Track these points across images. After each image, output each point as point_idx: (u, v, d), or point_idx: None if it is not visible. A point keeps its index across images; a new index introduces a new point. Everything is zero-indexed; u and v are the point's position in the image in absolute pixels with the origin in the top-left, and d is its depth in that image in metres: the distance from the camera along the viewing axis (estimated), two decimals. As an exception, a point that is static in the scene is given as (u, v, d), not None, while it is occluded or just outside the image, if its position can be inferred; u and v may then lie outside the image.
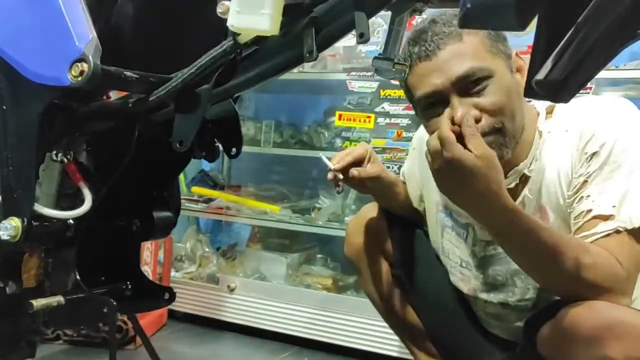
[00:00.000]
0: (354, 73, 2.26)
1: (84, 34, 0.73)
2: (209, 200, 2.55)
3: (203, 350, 2.18)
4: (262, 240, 2.61)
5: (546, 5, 0.48)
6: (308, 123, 2.57)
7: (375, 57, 0.82)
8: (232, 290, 2.34)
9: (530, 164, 1.22)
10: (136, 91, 0.81)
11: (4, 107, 0.79)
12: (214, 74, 0.79)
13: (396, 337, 1.77)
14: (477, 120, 1.07)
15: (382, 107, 2.21)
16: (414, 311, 1.53)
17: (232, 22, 0.74)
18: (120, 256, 0.97)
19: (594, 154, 1.10)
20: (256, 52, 0.81)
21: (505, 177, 1.22)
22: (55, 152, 0.86)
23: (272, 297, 2.28)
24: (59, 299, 0.84)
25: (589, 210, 1.08)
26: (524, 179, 1.23)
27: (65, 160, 0.85)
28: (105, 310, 0.82)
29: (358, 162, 1.37)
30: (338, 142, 2.35)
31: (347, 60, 2.30)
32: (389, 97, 2.20)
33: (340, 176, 1.36)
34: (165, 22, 0.87)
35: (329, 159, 1.40)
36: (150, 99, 0.80)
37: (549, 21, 0.55)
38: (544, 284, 1.17)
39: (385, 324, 1.65)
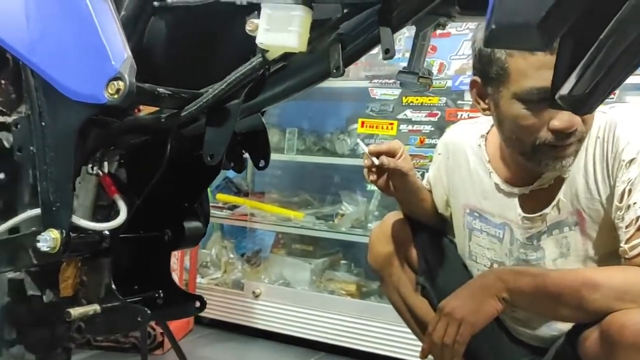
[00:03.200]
0: (376, 80, 2.28)
1: (120, 53, 0.76)
2: (233, 207, 2.59)
3: (229, 356, 2.21)
4: (286, 246, 2.64)
5: (570, 24, 0.50)
6: (330, 130, 2.60)
7: (400, 71, 0.84)
8: (257, 296, 2.37)
9: None
10: (168, 107, 0.84)
11: (43, 124, 0.82)
12: (244, 89, 0.82)
13: (420, 344, 1.78)
14: (573, 133, 1.12)
15: (405, 114, 2.22)
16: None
17: (261, 40, 0.76)
18: (152, 265, 1.00)
19: (631, 160, 1.13)
20: (284, 68, 0.83)
21: (540, 176, 1.25)
22: (90, 165, 0.89)
23: (296, 303, 2.30)
24: (95, 307, 0.87)
25: (639, 217, 1.11)
26: (559, 182, 1.25)
27: (101, 173, 0.89)
28: (139, 318, 0.85)
29: (391, 154, 1.39)
30: (363, 143, 2.37)
31: (369, 67, 2.32)
32: (411, 104, 2.22)
33: (376, 161, 1.39)
34: (195, 40, 0.90)
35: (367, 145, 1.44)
36: (183, 114, 0.83)
37: (571, 37, 0.56)
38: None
39: (409, 330, 1.66)
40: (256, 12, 0.78)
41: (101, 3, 0.78)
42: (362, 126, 2.30)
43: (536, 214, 1.28)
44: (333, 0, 0.77)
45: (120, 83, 0.75)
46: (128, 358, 2.05)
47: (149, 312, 0.85)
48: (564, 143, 1.14)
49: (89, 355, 2.00)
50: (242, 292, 2.41)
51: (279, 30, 0.75)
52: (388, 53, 0.72)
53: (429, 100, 2.17)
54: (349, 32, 0.79)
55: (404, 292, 1.59)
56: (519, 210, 1.31)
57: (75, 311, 0.85)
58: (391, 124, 2.24)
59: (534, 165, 1.20)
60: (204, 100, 0.81)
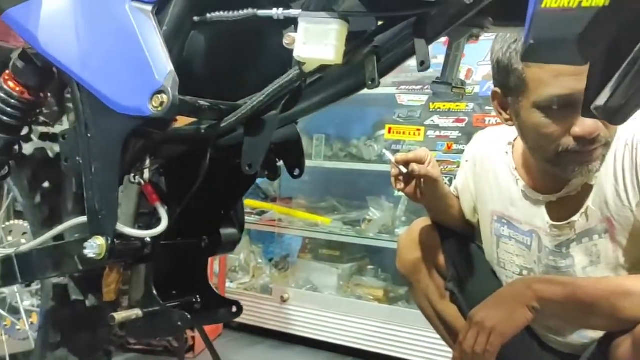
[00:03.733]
0: (403, 87, 2.29)
1: (163, 67, 0.79)
2: (261, 212, 2.62)
3: (258, 360, 2.24)
4: (313, 251, 2.66)
5: (607, 39, 0.51)
6: (357, 136, 2.61)
7: (433, 82, 0.85)
8: (285, 301, 2.39)
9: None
10: (208, 118, 0.87)
11: (89, 135, 0.86)
12: (281, 100, 0.84)
13: (449, 349, 1.78)
14: (596, 139, 1.11)
15: (432, 120, 2.23)
16: (468, 324, 1.54)
17: (299, 53, 0.79)
18: (190, 271, 1.03)
19: None
20: (320, 80, 0.85)
21: (568, 184, 1.26)
22: (132, 174, 0.92)
23: (324, 308, 2.32)
24: (137, 312, 0.90)
25: None
26: (586, 189, 1.25)
27: (142, 182, 0.92)
28: (180, 323, 0.88)
29: (419, 162, 1.40)
30: (389, 152, 2.38)
31: (397, 74, 2.34)
32: (438, 110, 2.22)
33: (404, 169, 1.40)
34: (233, 52, 0.93)
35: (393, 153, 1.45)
36: (222, 125, 0.86)
37: (605, 50, 0.57)
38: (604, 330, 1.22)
39: (438, 336, 1.66)
40: (293, 25, 0.81)
41: (145, 20, 0.82)
42: (389, 132, 2.31)
43: (564, 222, 1.28)
44: (368, 14, 0.79)
45: (164, 96, 0.78)
46: (160, 361, 2.10)
47: (189, 317, 0.87)
48: (588, 149, 1.14)
49: (123, 359, 2.04)
50: (271, 297, 2.43)
51: (316, 43, 0.77)
52: (423, 65, 0.74)
53: (456, 106, 2.17)
54: (383, 44, 0.81)
55: (432, 299, 1.60)
56: (547, 218, 1.31)
57: (119, 315, 0.88)
58: (418, 130, 2.25)
59: (560, 172, 1.20)
60: (242, 112, 0.84)
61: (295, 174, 0.97)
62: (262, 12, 0.83)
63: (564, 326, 1.35)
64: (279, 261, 2.63)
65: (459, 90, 0.83)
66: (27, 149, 1.07)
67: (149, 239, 0.89)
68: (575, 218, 1.26)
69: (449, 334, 1.61)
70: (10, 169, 1.03)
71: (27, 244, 0.98)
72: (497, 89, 1.26)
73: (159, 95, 0.78)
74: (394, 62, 0.81)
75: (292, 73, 0.82)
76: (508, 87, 1.20)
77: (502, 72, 1.19)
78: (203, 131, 0.89)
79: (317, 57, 0.78)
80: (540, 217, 1.33)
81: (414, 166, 1.38)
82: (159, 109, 0.78)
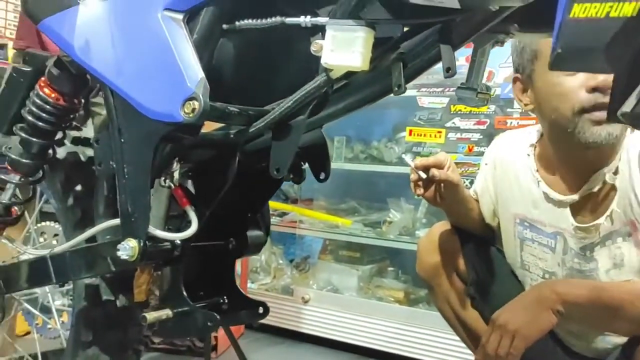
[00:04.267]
0: (424, 89, 2.29)
1: (195, 74, 0.81)
2: (282, 213, 2.64)
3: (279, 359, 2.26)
4: (333, 252, 2.68)
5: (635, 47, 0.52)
6: (378, 138, 2.63)
7: (458, 87, 0.86)
8: (306, 302, 2.41)
9: (615, 172, 1.23)
10: (237, 124, 0.89)
11: (122, 140, 0.88)
12: (308, 106, 0.86)
13: (469, 352, 1.78)
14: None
15: (453, 122, 2.23)
16: (490, 328, 1.54)
17: (326, 60, 0.80)
18: (217, 272, 1.05)
19: None
20: (346, 86, 0.87)
21: (588, 180, 1.26)
22: (163, 178, 0.95)
23: (345, 309, 2.33)
24: (168, 312, 0.92)
25: None
26: (611, 191, 1.24)
27: (172, 185, 0.94)
28: (209, 323, 0.90)
29: (438, 167, 1.41)
30: (408, 157, 2.39)
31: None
32: (459, 112, 2.23)
33: (423, 175, 1.41)
34: (260, 59, 0.95)
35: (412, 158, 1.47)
36: (250, 131, 0.88)
37: (633, 59, 0.58)
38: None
39: (458, 338, 1.66)
40: (320, 33, 0.83)
41: (177, 29, 0.84)
42: (410, 134, 2.32)
43: (589, 224, 1.28)
44: (395, 21, 0.80)
45: (195, 103, 0.80)
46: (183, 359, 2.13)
47: (218, 317, 0.90)
48: (604, 102, 1.14)
49: (147, 357, 2.08)
50: (292, 298, 2.46)
51: (343, 51, 0.79)
52: (449, 71, 0.75)
53: (478, 108, 2.17)
54: (409, 51, 0.82)
55: (453, 302, 1.60)
56: (572, 220, 1.31)
57: (150, 315, 0.90)
58: (439, 132, 2.25)
59: (579, 137, 1.19)
60: (270, 117, 0.86)
61: (321, 177, 0.98)
62: (290, 20, 0.84)
63: (588, 331, 1.35)
64: (299, 262, 2.66)
65: (484, 95, 0.84)
66: (60, 152, 1.10)
67: (179, 241, 0.92)
68: (600, 221, 1.26)
69: (470, 337, 1.61)
70: (44, 173, 1.07)
71: (62, 246, 1.01)
72: (517, 74, 1.30)
73: (191, 102, 0.80)
74: (419, 68, 0.82)
75: (320, 79, 0.83)
76: (524, 64, 1.24)
77: (518, 51, 1.26)
78: (232, 136, 0.91)
79: (344, 64, 0.79)
80: (564, 219, 1.33)
81: (434, 171, 1.38)
82: (191, 115, 0.80)
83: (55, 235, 1.25)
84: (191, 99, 0.80)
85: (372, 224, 2.51)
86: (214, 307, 1.03)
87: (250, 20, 0.88)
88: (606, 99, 1.12)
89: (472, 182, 2.03)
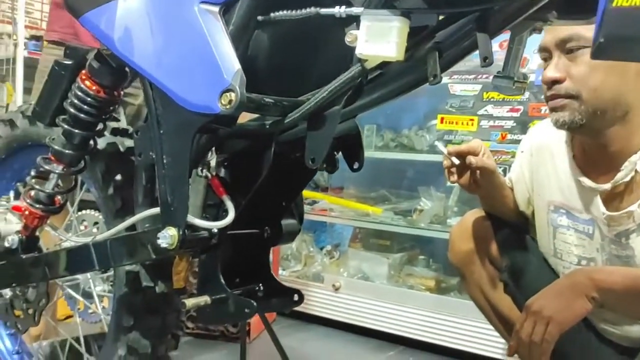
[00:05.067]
0: (456, 76, 2.27)
1: (231, 66, 0.82)
2: (313, 202, 2.66)
3: (311, 346, 2.29)
4: (363, 240, 2.69)
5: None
6: (408, 126, 2.61)
7: (495, 76, 0.85)
8: (337, 289, 2.43)
9: None
10: (272, 115, 0.90)
11: (161, 131, 0.91)
12: (343, 96, 0.86)
13: (501, 340, 1.77)
14: (557, 82, 1.24)
15: (486, 110, 2.21)
16: (523, 315, 1.53)
17: (361, 50, 0.81)
18: (253, 260, 1.07)
19: None
20: (381, 76, 0.87)
21: (620, 169, 1.24)
22: (200, 168, 0.97)
23: (376, 297, 2.35)
24: (206, 298, 0.95)
25: None
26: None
27: (209, 175, 0.96)
28: (247, 310, 0.92)
29: (472, 154, 1.41)
30: (440, 144, 2.37)
31: (449, 63, 2.32)
32: (492, 99, 2.20)
33: (456, 161, 1.41)
34: (295, 50, 0.96)
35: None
36: (286, 121, 0.89)
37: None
38: None
39: (490, 326, 1.66)
40: (355, 23, 0.83)
41: (213, 21, 0.85)
42: (442, 122, 2.30)
43: (621, 212, 1.27)
44: (430, 11, 0.80)
45: (232, 94, 0.81)
46: (218, 345, 2.18)
47: (255, 304, 0.92)
48: (547, 94, 1.28)
49: (180, 342, 2.13)
50: (322, 285, 2.48)
51: (378, 41, 0.79)
52: (486, 60, 0.75)
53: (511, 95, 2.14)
54: (445, 40, 0.82)
55: (486, 290, 1.60)
56: (602, 208, 1.30)
57: (189, 302, 0.93)
58: (471, 119, 2.23)
59: None
60: (306, 108, 0.87)
61: (354, 167, 0.99)
62: (324, 11, 0.85)
63: (622, 318, 1.34)
64: (330, 250, 2.67)
65: (521, 84, 0.84)
66: (100, 143, 1.13)
67: (216, 230, 0.94)
68: (632, 208, 1.24)
69: (503, 325, 1.61)
70: (86, 163, 1.10)
71: (103, 234, 1.04)
72: None
73: (228, 94, 0.81)
74: (455, 57, 0.82)
75: (354, 70, 0.84)
76: None
77: None
78: (267, 127, 0.92)
79: (379, 54, 0.80)
80: (595, 206, 1.32)
81: (471, 158, 1.38)
82: (228, 106, 0.81)
83: (95, 223, 1.28)
84: (228, 90, 0.81)
85: (402, 212, 2.51)
86: (250, 294, 1.05)
87: (285, 12, 0.89)
88: (549, 92, 1.27)
89: (505, 171, 2.01)
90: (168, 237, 0.89)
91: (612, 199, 1.30)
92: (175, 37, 0.88)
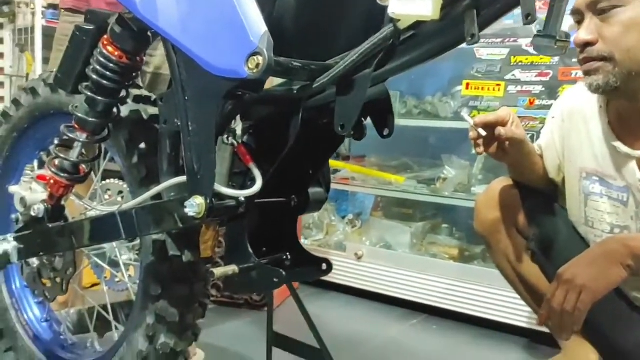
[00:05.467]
0: (482, 40, 2.20)
1: (258, 29, 0.79)
2: (335, 170, 2.63)
3: (334, 314, 2.30)
4: (385, 209, 2.66)
5: None
6: (432, 92, 2.55)
7: (535, 35, 0.81)
8: (359, 258, 2.42)
9: None
10: (301, 79, 0.87)
11: (186, 98, 0.88)
12: (374, 59, 0.83)
13: (526, 309, 1.75)
14: (589, 44, 1.20)
15: (513, 75, 2.14)
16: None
17: (394, 10, 0.77)
18: (280, 229, 1.05)
19: None
20: (414, 37, 0.83)
21: None
22: (226, 136, 0.94)
23: (399, 266, 2.33)
24: (234, 268, 0.94)
25: None
26: None
27: (235, 143, 0.94)
28: (275, 280, 0.91)
29: (501, 124, 1.36)
30: (465, 112, 2.31)
31: (475, 26, 2.24)
32: (520, 63, 2.13)
33: (483, 133, 1.36)
34: (321, 11, 0.92)
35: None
36: (314, 86, 0.86)
37: None
38: None
39: (515, 295, 1.64)
40: (387, -19, 0.79)
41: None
42: (467, 88, 2.24)
43: None
44: (468, -35, 0.75)
45: (260, 58, 0.78)
46: (242, 313, 2.19)
47: (284, 273, 0.90)
48: (579, 57, 1.25)
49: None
50: (345, 254, 2.47)
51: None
52: (529, 18, 0.71)
53: (540, 59, 2.07)
54: (484, -3, 0.77)
55: (512, 259, 1.58)
56: (638, 174, 1.26)
57: (218, 271, 0.92)
58: (498, 85, 2.17)
59: None
60: (335, 72, 0.84)
61: (384, 133, 0.96)
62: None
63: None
64: (352, 219, 2.66)
65: (563, 43, 0.79)
66: (124, 111, 1.11)
67: (243, 198, 0.92)
68: None
69: (530, 294, 1.59)
70: (110, 132, 1.08)
71: (129, 203, 1.03)
72: None
73: (255, 57, 0.78)
74: (494, 14, 0.77)
75: (386, 30, 0.80)
76: None
77: None
78: (295, 92, 0.89)
79: (413, 14, 0.76)
80: (631, 173, 1.29)
81: (500, 130, 1.34)
82: (255, 70, 0.78)
83: (120, 192, 1.28)
84: (255, 54, 0.78)
85: (425, 180, 2.47)
86: (278, 263, 1.04)
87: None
88: (581, 55, 1.23)
89: (533, 138, 1.96)
90: (195, 205, 0.87)
91: None
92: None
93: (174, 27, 0.85)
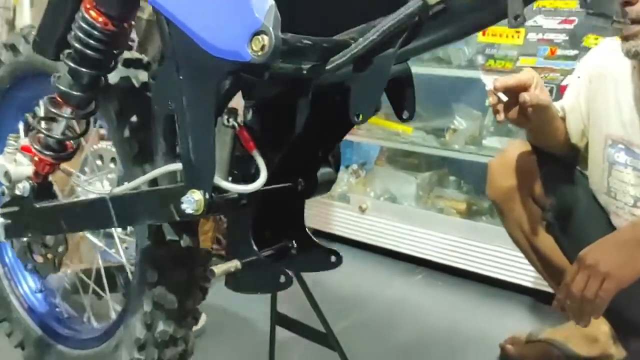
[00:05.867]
0: (503, -18, 2.03)
1: (262, 2, 0.67)
2: (339, 119, 2.52)
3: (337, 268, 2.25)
4: (391, 158, 2.57)
5: None
6: (445, 37, 2.39)
7: (587, 13, 0.69)
8: (363, 211, 2.36)
9: None
10: (313, 60, 0.75)
11: (180, 77, 0.77)
12: (398, 38, 0.71)
13: (530, 269, 1.70)
14: (628, 3, 1.02)
15: (535, 21, 1.98)
16: (567, 258, 1.44)
17: (423, -19, 0.65)
18: (285, 215, 0.97)
19: None
20: (445, 11, 0.71)
21: None
22: (226, 117, 0.84)
23: (404, 220, 2.27)
24: (236, 263, 0.86)
25: None
26: None
27: (237, 125, 0.83)
28: (282, 281, 0.83)
29: (523, 88, 1.25)
30: (480, 59, 2.17)
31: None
32: (543, 8, 1.97)
33: (505, 98, 1.26)
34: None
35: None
36: (328, 67, 0.74)
37: None
38: None
39: (521, 254, 1.58)
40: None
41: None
42: (483, 34, 2.09)
43: None
44: None
45: (265, 38, 0.66)
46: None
47: (291, 274, 0.83)
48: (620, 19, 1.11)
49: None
50: (349, 206, 2.40)
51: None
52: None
53: (565, 3, 1.91)
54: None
55: (526, 229, 1.51)
56: None
57: (218, 269, 0.84)
58: (517, 31, 2.02)
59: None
60: (352, 52, 0.72)
61: (404, 117, 0.85)
62: None
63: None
64: (356, 169, 2.57)
65: (620, 24, 0.67)
66: (112, 77, 1.00)
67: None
68: None
69: (544, 266, 1.53)
70: (97, 105, 0.97)
71: (122, 187, 0.93)
72: None
73: (260, 37, 0.67)
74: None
75: (414, 5, 0.68)
76: None
77: None
78: (304, 72, 0.77)
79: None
80: None
81: (525, 96, 1.22)
82: (260, 53, 0.67)
83: (113, 159, 1.18)
84: (260, 32, 0.67)
85: (434, 131, 2.36)
86: (283, 252, 0.96)
87: None
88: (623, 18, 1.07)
89: (551, 91, 1.84)
90: (193, 202, 0.78)
91: None
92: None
93: (174, 2, 0.72)
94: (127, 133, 1.01)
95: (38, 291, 1.33)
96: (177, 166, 0.84)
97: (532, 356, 1.59)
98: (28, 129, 1.21)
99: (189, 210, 0.78)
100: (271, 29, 0.66)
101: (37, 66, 1.17)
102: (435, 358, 1.65)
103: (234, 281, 0.86)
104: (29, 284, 1.34)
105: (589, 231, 1.39)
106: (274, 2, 0.68)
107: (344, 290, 1.98)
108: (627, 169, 1.33)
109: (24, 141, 1.12)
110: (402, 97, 0.85)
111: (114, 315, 1.21)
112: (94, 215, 0.95)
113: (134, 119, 1.00)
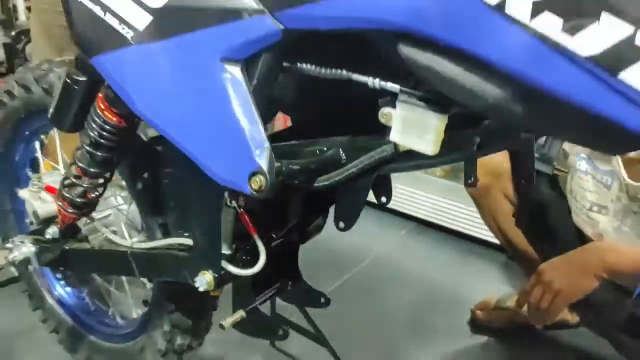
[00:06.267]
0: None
1: (259, 143, 0.76)
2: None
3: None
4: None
5: None
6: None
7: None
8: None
9: None
10: (302, 183, 0.85)
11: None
12: (372, 172, 0.83)
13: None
14: None
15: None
16: (532, 248, 1.62)
17: (395, 139, 0.77)
18: (281, 264, 1.13)
19: None
20: (413, 154, 0.81)
21: None
22: (229, 198, 0.96)
23: (392, 178, 2.41)
24: (242, 313, 1.04)
25: None
26: None
27: (238, 208, 0.96)
28: (280, 333, 1.02)
29: None
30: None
31: None
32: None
33: None
34: (322, 97, 0.89)
35: None
36: (316, 185, 0.85)
37: None
38: None
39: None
40: (389, 97, 0.77)
41: (238, 84, 0.77)
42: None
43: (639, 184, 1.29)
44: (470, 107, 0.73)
45: (262, 179, 0.78)
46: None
47: (288, 330, 1.01)
48: None
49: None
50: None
51: (414, 134, 0.75)
52: (470, 181, 0.71)
53: None
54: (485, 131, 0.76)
55: (499, 220, 1.68)
56: (624, 173, 1.31)
57: (227, 322, 1.02)
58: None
59: None
60: (337, 177, 0.84)
61: (383, 201, 0.97)
62: (357, 77, 0.78)
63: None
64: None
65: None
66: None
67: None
68: None
69: (513, 250, 1.72)
70: (112, 174, 1.09)
71: (143, 244, 1.08)
72: None
73: (257, 178, 0.79)
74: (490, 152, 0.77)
75: (387, 150, 0.80)
76: None
77: None
78: (296, 182, 0.89)
79: (414, 147, 0.76)
80: (617, 161, 1.33)
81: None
82: (259, 192, 0.79)
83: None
84: (256, 173, 0.79)
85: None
86: (280, 289, 1.13)
87: (312, 67, 0.81)
88: None
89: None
90: (205, 282, 0.94)
91: (632, 166, 1.31)
92: (199, 101, 0.81)
93: (176, 129, 0.83)
94: (140, 186, 1.13)
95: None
96: (188, 241, 1.00)
97: (498, 322, 1.82)
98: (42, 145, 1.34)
99: (201, 289, 0.95)
100: (266, 170, 0.79)
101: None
102: (411, 317, 1.88)
103: (241, 327, 1.05)
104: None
105: (553, 227, 1.58)
106: (269, 144, 0.79)
107: (334, 243, 2.08)
108: (587, 177, 1.46)
109: (46, 180, 1.25)
110: (381, 182, 0.97)
111: (134, 315, 1.40)
112: (119, 265, 1.12)
113: (145, 175, 1.12)
